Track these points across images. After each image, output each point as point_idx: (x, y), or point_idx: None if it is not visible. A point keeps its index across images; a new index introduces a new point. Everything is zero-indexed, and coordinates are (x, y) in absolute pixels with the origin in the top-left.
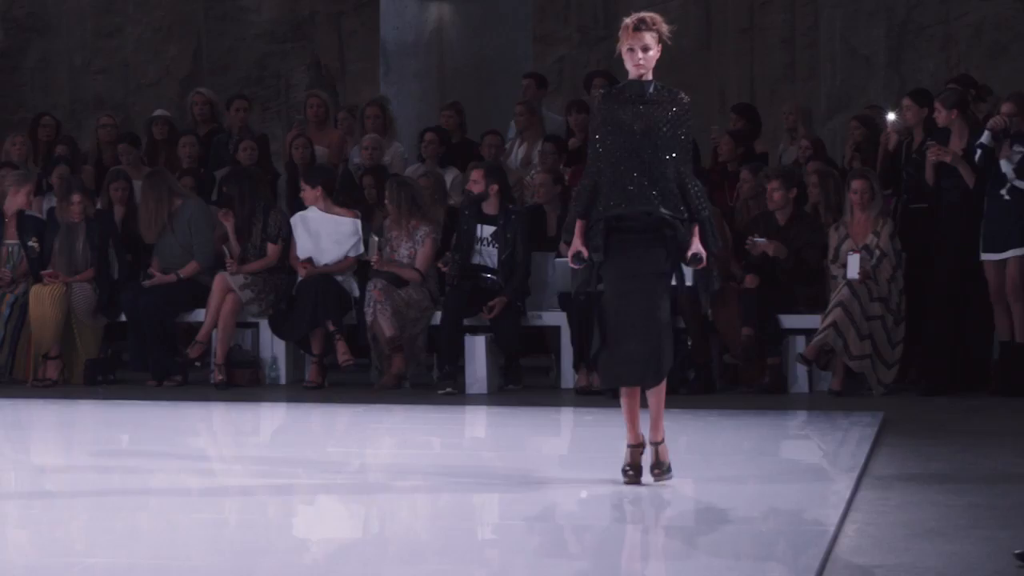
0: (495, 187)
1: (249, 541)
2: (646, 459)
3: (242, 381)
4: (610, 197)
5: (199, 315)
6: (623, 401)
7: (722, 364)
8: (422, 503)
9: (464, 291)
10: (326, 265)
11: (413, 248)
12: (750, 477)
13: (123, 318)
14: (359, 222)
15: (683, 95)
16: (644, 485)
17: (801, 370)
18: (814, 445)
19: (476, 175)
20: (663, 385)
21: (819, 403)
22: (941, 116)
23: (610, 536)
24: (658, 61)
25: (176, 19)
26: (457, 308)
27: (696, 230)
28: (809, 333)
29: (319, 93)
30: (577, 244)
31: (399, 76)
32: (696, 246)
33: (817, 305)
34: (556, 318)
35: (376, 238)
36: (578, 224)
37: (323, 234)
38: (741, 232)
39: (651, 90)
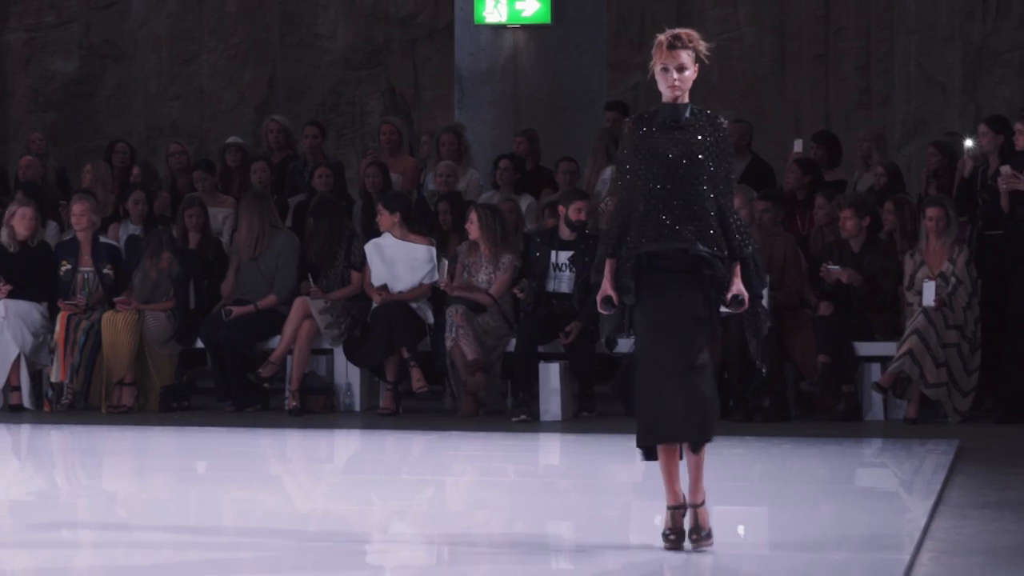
0: None
1: (325, 567)
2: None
3: (316, 407)
4: (642, 233)
5: (277, 342)
6: (660, 458)
7: (797, 392)
8: (496, 531)
9: (539, 318)
10: (400, 292)
11: (493, 275)
12: (825, 505)
13: (199, 345)
14: (434, 249)
15: (722, 120)
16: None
17: (876, 398)
18: (890, 473)
19: (583, 205)
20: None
21: (894, 431)
22: (1022, 139)
23: (684, 564)
24: (733, 87)
25: (251, 46)
26: (532, 335)
27: (737, 269)
28: (884, 361)
29: (393, 120)
30: (607, 287)
31: (474, 103)
32: (737, 287)
33: (892, 333)
34: (631, 344)
35: (444, 261)
36: (607, 264)
37: (398, 261)
38: (816, 259)
39: (687, 114)
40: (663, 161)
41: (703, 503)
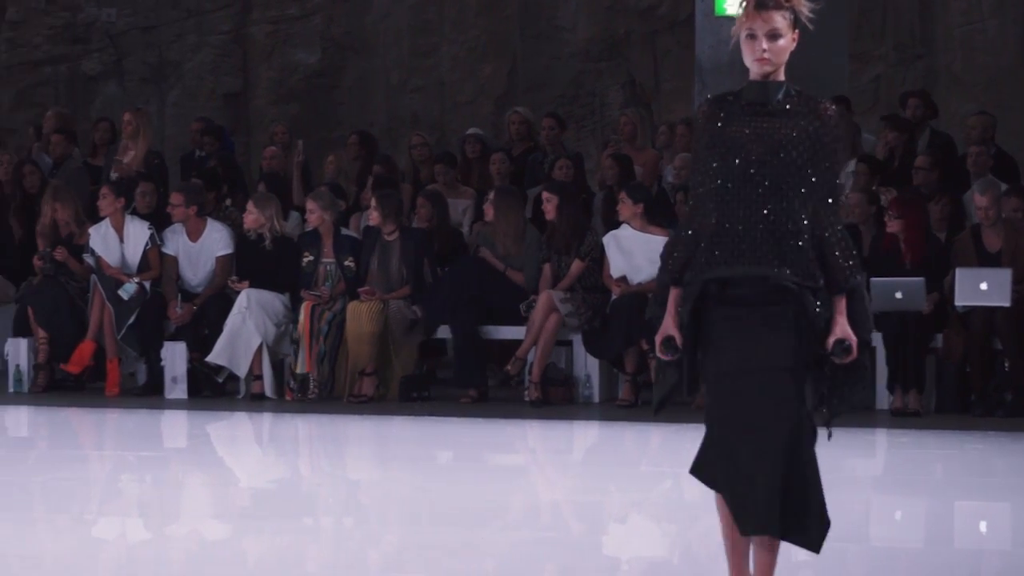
0: None
1: (560, 559)
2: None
3: (556, 399)
4: (712, 251)
5: (512, 332)
6: (724, 540)
7: None
8: None
9: None
10: (640, 284)
11: None
12: None
13: (439, 335)
14: None
15: (828, 105)
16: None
17: None
18: None
19: None
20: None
21: None
22: None
23: (911, 557)
24: (977, 79)
25: (491, 38)
26: None
27: (842, 305)
28: None
29: (633, 112)
30: (669, 325)
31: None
32: (843, 329)
33: None
34: (872, 337)
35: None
36: (672, 294)
37: (636, 252)
38: None
39: (779, 96)
40: (744, 157)
41: None
